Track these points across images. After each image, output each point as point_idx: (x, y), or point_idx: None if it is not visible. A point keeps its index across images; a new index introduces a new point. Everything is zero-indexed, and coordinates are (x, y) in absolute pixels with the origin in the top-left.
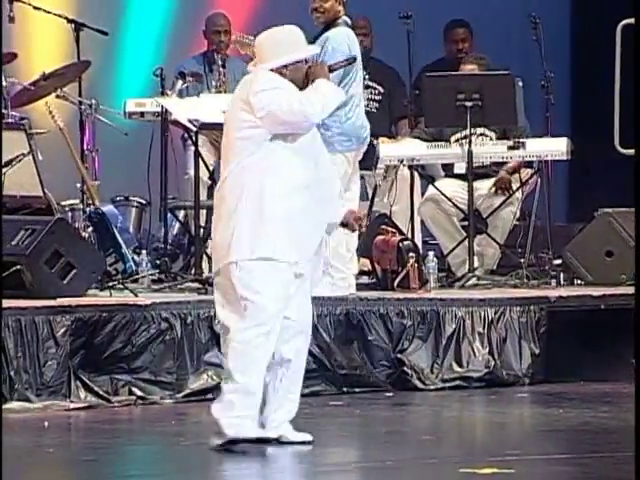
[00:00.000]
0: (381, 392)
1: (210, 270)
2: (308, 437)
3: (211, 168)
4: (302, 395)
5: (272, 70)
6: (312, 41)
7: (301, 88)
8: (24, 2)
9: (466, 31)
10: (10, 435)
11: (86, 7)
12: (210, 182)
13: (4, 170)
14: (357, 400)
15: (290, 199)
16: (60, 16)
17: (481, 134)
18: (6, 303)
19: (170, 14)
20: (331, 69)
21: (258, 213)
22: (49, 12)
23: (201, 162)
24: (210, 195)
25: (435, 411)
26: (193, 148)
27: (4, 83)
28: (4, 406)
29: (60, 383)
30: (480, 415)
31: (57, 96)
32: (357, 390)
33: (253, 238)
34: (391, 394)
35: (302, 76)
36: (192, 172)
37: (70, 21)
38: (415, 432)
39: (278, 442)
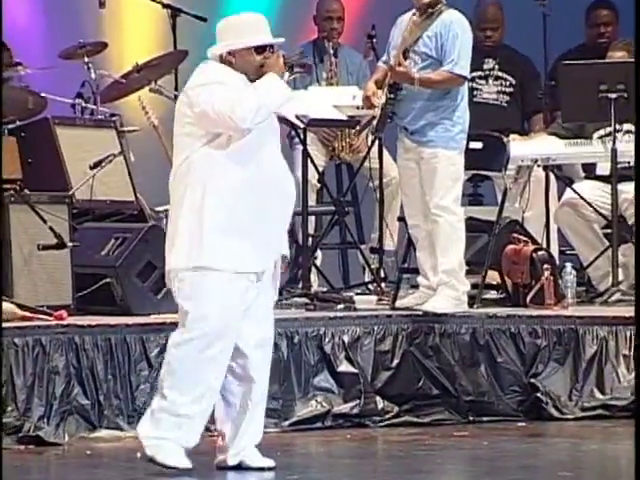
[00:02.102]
0: (512, 421)
1: (319, 284)
2: (270, 463)
3: (321, 169)
4: (422, 424)
5: (220, 56)
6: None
7: (254, 79)
8: None
9: (611, 13)
10: (100, 467)
11: None
12: (319, 185)
13: (93, 172)
14: (485, 430)
15: (232, 203)
16: (155, 1)
17: (627, 131)
18: (95, 320)
19: None
20: (286, 62)
21: (198, 219)
22: None
23: (310, 163)
24: (320, 199)
25: (574, 443)
26: (301, 147)
27: (92, 76)
28: (92, 434)
29: None
30: (624, 448)
31: (151, 90)
32: (485, 419)
33: (192, 246)
34: (523, 424)
35: (254, 66)
36: (300, 174)
37: (166, 6)
38: (551, 467)
39: (240, 468)
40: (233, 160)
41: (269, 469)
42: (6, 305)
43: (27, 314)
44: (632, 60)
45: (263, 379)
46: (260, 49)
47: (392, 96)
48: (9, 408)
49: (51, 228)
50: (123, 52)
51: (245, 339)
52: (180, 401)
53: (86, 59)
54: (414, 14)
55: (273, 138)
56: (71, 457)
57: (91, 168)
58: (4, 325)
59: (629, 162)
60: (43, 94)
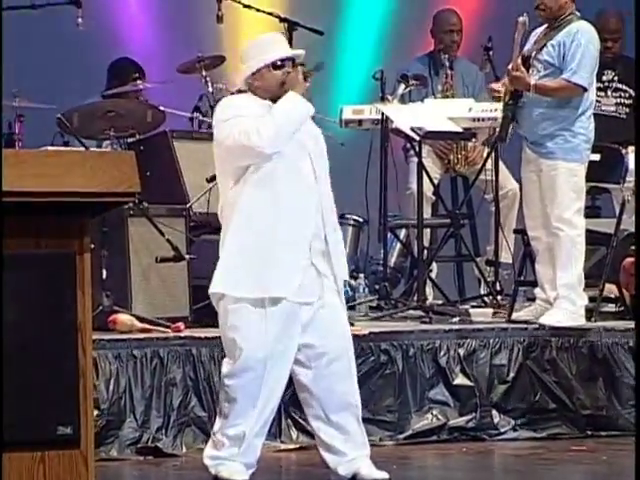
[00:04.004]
0: (631, 436)
1: (435, 297)
2: (384, 475)
3: (436, 182)
4: (539, 438)
5: (247, 82)
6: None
7: (277, 97)
8: (233, 0)
9: None
10: None
11: (300, 4)
12: (434, 198)
13: (210, 185)
14: (603, 445)
15: (264, 233)
16: (272, 14)
17: None
18: (212, 332)
19: (391, 11)
20: (305, 77)
21: (235, 248)
22: (260, 10)
23: (425, 175)
24: (435, 212)
25: None
26: (416, 159)
27: (210, 89)
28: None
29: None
30: None
31: None
32: (603, 434)
33: (229, 274)
34: None
35: (276, 84)
36: (415, 186)
37: (283, 20)
38: None
39: None
40: (261, 189)
41: None
42: (125, 317)
43: (146, 326)
44: None
45: (346, 390)
46: (278, 65)
47: (511, 102)
48: (127, 419)
49: (169, 241)
50: (240, 66)
51: (312, 355)
52: (239, 422)
53: (204, 73)
54: (546, 26)
55: (307, 159)
56: (188, 468)
57: (208, 181)
58: (123, 337)
59: None
60: (162, 108)
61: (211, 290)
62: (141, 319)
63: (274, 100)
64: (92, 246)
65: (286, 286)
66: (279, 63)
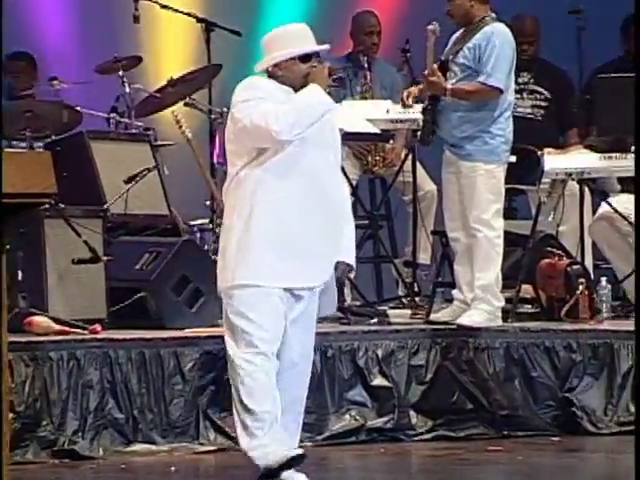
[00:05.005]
0: (547, 436)
1: (353, 298)
2: (303, 478)
3: (354, 183)
4: (457, 439)
5: (267, 70)
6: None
7: (299, 87)
8: (150, 0)
9: None
10: None
11: (217, 5)
12: (353, 198)
13: (128, 186)
14: (519, 445)
15: (279, 218)
16: (189, 15)
17: None
18: (129, 334)
19: (309, 13)
20: (331, 73)
21: (245, 234)
22: (177, 11)
23: (343, 176)
24: (353, 213)
25: (610, 459)
26: None
27: (127, 90)
28: (127, 449)
29: (187, 423)
30: None
31: (185, 104)
32: (519, 434)
33: (238, 262)
34: (558, 438)
35: (300, 76)
36: None
37: (200, 20)
38: None
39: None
40: (279, 175)
41: None
42: (42, 319)
43: (62, 328)
44: None
45: (296, 397)
46: (305, 58)
47: (430, 107)
48: (44, 422)
49: (86, 242)
50: (158, 66)
51: (287, 352)
52: (264, 407)
53: (121, 73)
54: (463, 29)
55: (325, 152)
56: (106, 471)
57: (125, 182)
58: (39, 339)
59: None
60: (78, 108)
61: (242, 281)
62: (58, 321)
63: (295, 89)
64: (7, 247)
65: (302, 277)
66: (306, 58)
